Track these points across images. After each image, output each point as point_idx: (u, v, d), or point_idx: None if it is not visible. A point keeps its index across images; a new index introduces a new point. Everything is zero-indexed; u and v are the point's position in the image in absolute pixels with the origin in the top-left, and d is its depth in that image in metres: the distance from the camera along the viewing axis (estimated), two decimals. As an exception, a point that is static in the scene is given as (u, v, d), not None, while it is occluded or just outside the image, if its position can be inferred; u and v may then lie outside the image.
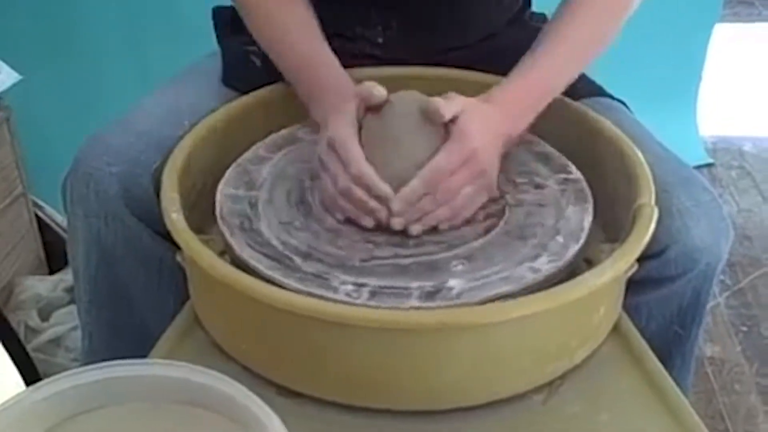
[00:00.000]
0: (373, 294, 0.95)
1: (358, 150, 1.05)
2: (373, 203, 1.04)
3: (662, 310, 1.17)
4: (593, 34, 1.22)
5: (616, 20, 1.22)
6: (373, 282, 0.97)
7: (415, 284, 0.97)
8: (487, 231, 1.07)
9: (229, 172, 1.15)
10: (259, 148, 1.20)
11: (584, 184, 1.13)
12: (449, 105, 1.06)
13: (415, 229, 1.05)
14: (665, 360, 1.13)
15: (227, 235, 1.04)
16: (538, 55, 1.18)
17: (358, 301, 0.94)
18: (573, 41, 1.20)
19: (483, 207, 1.10)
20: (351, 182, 1.04)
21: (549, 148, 1.20)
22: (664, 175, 1.14)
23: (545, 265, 0.99)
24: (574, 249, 1.02)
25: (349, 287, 0.96)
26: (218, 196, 1.10)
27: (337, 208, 1.07)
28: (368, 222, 1.05)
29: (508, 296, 0.95)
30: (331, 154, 1.06)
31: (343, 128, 1.07)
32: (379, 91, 1.07)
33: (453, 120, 1.06)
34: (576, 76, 1.22)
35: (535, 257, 1.01)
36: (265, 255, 1.01)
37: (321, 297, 0.94)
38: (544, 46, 1.19)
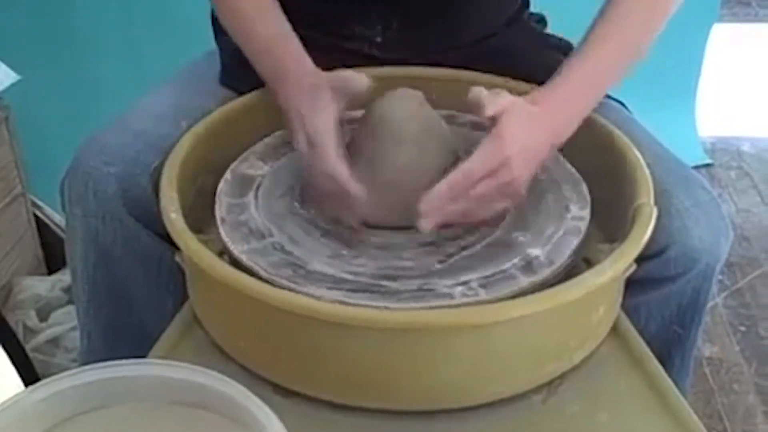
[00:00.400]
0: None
1: (332, 146, 1.04)
2: (348, 202, 1.04)
3: (662, 310, 1.17)
4: (639, 32, 1.17)
5: (660, 18, 1.18)
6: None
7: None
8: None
9: (228, 173, 1.15)
10: (257, 149, 1.20)
11: (583, 186, 1.13)
12: (494, 100, 1.04)
13: (425, 224, 1.01)
14: (664, 360, 1.13)
15: (226, 236, 1.04)
16: (585, 56, 1.13)
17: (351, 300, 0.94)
18: (619, 39, 1.15)
19: None
20: (326, 179, 1.04)
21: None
22: (663, 175, 1.13)
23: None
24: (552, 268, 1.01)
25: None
26: (217, 197, 1.10)
27: (316, 202, 1.08)
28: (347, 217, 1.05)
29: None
30: (312, 151, 1.06)
31: (319, 122, 1.06)
32: (360, 82, 1.07)
33: (494, 119, 1.03)
34: (621, 77, 1.17)
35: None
36: (264, 255, 1.01)
37: (317, 297, 0.94)
38: (591, 46, 1.14)
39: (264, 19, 1.21)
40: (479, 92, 1.04)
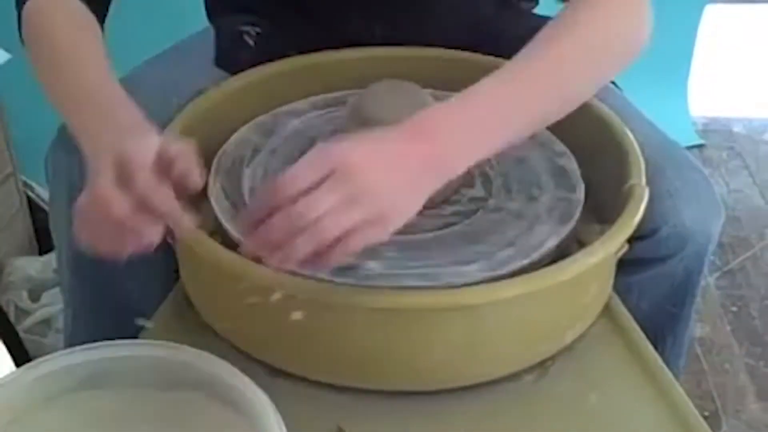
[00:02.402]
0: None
1: (141, 159, 0.83)
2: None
3: (654, 290, 1.17)
4: (568, 74, 0.97)
5: (601, 68, 1.02)
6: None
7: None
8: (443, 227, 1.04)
9: (220, 153, 1.15)
10: (251, 130, 1.19)
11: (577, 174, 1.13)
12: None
13: (275, 258, 0.82)
14: (657, 340, 1.13)
15: (219, 215, 1.04)
16: (483, 87, 0.91)
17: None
18: (555, 60, 0.95)
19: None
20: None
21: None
22: (654, 155, 1.13)
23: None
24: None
25: None
26: (211, 177, 1.10)
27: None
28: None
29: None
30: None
31: (136, 145, 0.85)
32: (195, 180, 0.86)
33: None
34: (536, 121, 0.96)
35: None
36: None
37: (308, 277, 0.94)
38: (516, 62, 0.94)
39: (91, 63, 1.03)
40: None
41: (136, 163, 0.82)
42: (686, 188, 1.13)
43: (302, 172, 0.81)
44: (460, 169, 0.88)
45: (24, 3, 1.10)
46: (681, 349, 1.26)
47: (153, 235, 0.82)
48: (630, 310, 1.09)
